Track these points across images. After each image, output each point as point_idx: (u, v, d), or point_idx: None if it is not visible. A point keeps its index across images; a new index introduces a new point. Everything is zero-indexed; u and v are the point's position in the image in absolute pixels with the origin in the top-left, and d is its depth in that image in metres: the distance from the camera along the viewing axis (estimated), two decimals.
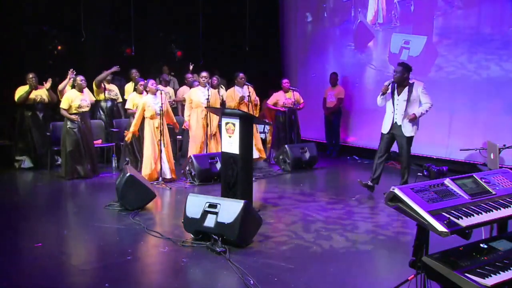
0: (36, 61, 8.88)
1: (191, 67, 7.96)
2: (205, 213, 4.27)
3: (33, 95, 7.74)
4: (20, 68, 8.04)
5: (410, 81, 5.91)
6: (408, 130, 5.91)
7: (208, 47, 10.81)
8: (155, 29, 10.65)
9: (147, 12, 10.22)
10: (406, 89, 5.89)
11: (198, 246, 4.20)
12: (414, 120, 5.86)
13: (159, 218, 5.36)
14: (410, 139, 5.99)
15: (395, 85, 5.96)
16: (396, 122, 5.96)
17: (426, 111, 5.88)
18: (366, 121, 9.25)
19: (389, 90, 5.97)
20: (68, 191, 6.65)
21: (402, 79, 5.88)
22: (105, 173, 7.55)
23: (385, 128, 6.08)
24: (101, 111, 8.48)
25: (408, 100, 5.86)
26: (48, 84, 7.61)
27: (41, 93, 7.81)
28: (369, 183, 6.22)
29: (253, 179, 5.86)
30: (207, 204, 4.29)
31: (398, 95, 5.92)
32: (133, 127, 6.89)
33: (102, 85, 8.33)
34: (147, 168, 6.77)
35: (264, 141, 9.35)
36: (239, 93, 7.93)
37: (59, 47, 9.39)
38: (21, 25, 8.77)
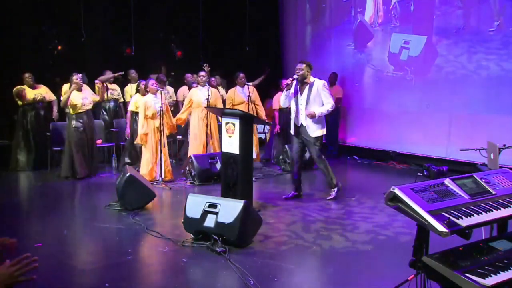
0: (36, 61, 8.88)
1: (207, 68, 7.79)
2: (205, 213, 4.27)
3: (31, 94, 7.73)
4: (20, 68, 8.03)
5: (311, 80, 5.78)
6: (313, 130, 5.75)
7: (208, 47, 10.81)
8: (155, 29, 10.64)
9: (147, 12, 10.21)
10: (307, 87, 5.76)
11: (198, 246, 4.20)
12: (313, 117, 5.67)
13: (159, 218, 5.36)
14: (320, 140, 5.82)
15: (298, 84, 5.83)
16: (301, 123, 5.79)
17: (328, 110, 5.71)
18: (366, 121, 9.27)
19: (292, 90, 5.82)
20: (68, 191, 6.66)
21: (305, 76, 5.74)
22: (105, 173, 7.55)
23: (292, 129, 5.92)
24: (104, 111, 8.47)
25: (308, 99, 5.72)
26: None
27: (41, 92, 7.80)
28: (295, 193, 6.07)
29: (253, 179, 5.87)
30: (207, 204, 4.29)
31: (301, 95, 5.78)
32: (140, 129, 6.83)
33: (104, 85, 8.29)
34: (144, 168, 6.77)
35: (263, 142, 9.36)
36: (240, 93, 7.93)
37: (59, 47, 9.38)
38: (21, 25, 8.77)
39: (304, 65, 5.75)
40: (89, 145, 7.14)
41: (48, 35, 9.23)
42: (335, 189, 5.95)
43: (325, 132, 5.89)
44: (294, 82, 5.78)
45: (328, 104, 5.72)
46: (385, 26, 8.87)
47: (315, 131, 5.75)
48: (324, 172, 5.93)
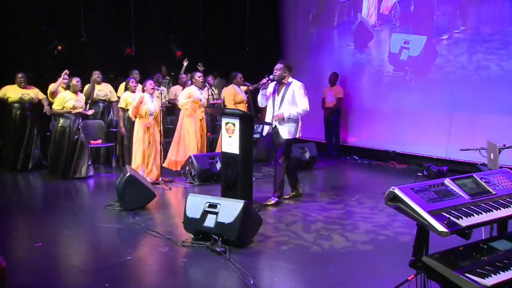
0: (36, 61, 8.87)
1: (201, 68, 7.89)
2: (205, 213, 4.27)
3: (19, 93, 7.70)
4: (20, 68, 8.02)
5: (289, 80, 5.64)
6: (284, 131, 5.56)
7: (208, 47, 10.81)
8: (155, 29, 10.65)
9: (147, 12, 10.22)
10: (283, 88, 5.61)
11: (198, 246, 4.20)
12: (281, 120, 5.49)
13: (159, 218, 5.36)
14: (287, 143, 5.62)
15: (277, 85, 5.69)
16: (275, 125, 5.60)
17: (298, 113, 5.49)
18: (366, 121, 9.26)
19: (271, 89, 5.67)
20: (68, 191, 6.65)
21: (282, 77, 5.60)
22: (104, 173, 7.55)
23: (269, 132, 5.72)
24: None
25: (282, 100, 5.57)
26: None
27: (29, 92, 7.78)
28: (292, 193, 6.04)
29: (253, 179, 5.86)
30: (207, 204, 4.29)
31: (278, 95, 5.63)
32: (130, 113, 6.78)
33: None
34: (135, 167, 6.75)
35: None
36: (241, 93, 7.92)
37: (59, 47, 9.38)
38: (21, 25, 8.77)
39: (282, 66, 5.64)
40: (73, 147, 7.07)
41: (48, 35, 9.23)
42: (277, 197, 5.75)
43: (296, 136, 5.68)
44: (274, 82, 5.67)
45: (300, 107, 5.52)
46: (385, 26, 8.87)
47: (285, 133, 5.57)
48: (278, 176, 5.69)
